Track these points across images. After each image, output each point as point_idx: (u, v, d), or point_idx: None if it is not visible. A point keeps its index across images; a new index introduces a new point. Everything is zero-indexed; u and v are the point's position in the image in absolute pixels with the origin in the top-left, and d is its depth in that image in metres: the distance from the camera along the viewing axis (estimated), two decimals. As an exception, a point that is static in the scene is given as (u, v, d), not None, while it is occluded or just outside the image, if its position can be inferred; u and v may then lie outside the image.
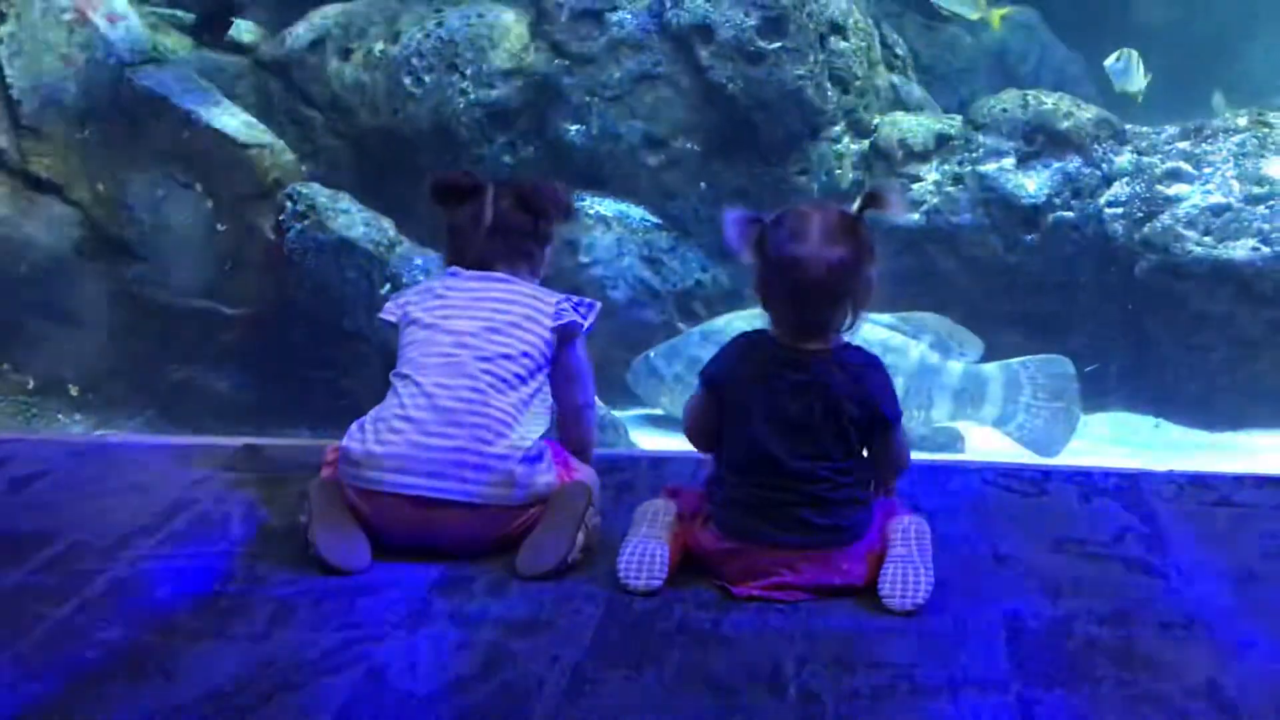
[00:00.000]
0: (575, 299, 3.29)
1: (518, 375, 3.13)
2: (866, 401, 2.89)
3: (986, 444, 5.91)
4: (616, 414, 5.82)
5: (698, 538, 2.97)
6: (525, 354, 3.15)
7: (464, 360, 3.11)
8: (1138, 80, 6.81)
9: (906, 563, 2.86)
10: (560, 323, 3.21)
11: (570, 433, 3.33)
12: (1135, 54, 6.80)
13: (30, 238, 5.74)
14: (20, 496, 3.44)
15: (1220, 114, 6.70)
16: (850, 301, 2.89)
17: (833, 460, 2.89)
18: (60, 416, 5.80)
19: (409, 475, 3.01)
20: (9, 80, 5.71)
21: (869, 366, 2.93)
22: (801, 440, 2.88)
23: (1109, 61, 6.90)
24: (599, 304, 3.35)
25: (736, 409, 2.93)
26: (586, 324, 3.26)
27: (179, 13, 6.23)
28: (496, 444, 3.03)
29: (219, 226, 5.80)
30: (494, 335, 3.14)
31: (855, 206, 2.93)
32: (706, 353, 5.86)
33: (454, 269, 3.29)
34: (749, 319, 5.96)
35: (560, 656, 2.64)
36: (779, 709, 2.47)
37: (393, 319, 3.26)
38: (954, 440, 5.86)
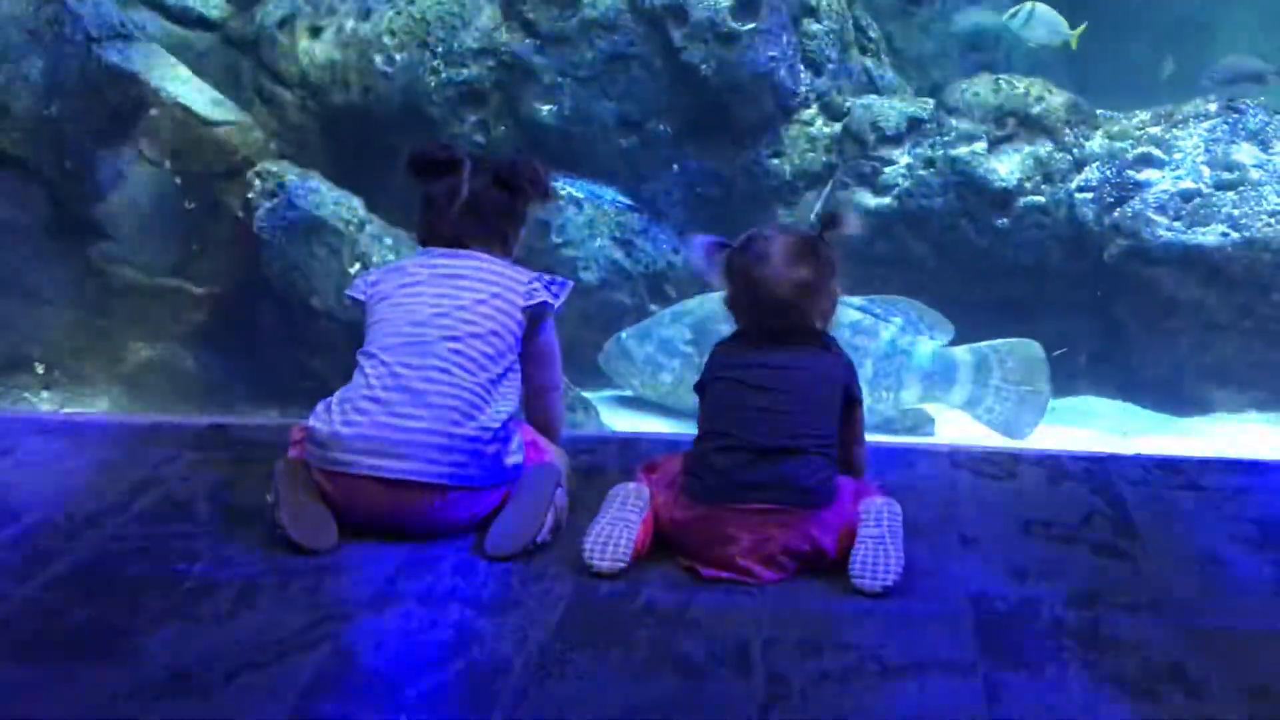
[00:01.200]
0: (548, 278, 3.26)
1: (487, 355, 3.10)
2: (840, 380, 3.03)
3: (958, 427, 5.93)
4: (587, 395, 5.82)
5: (670, 510, 2.98)
6: (495, 333, 3.13)
7: (432, 340, 3.08)
8: (1051, 29, 6.74)
9: (878, 543, 2.86)
10: (532, 303, 3.18)
11: (537, 413, 3.32)
12: (1036, 5, 6.76)
13: (-5, 214, 5.70)
14: None
15: (1167, 76, 6.69)
16: (816, 315, 3.07)
17: (806, 434, 2.94)
18: (26, 395, 5.76)
19: (376, 457, 2.99)
20: (-26, 55, 5.66)
21: (838, 350, 3.10)
22: (776, 414, 2.94)
23: (1007, 18, 6.85)
24: (571, 283, 3.31)
25: (716, 386, 3.03)
26: (557, 304, 3.23)
27: None
28: (465, 425, 3.01)
29: (187, 204, 5.77)
30: (463, 314, 3.11)
31: (816, 228, 3.12)
32: (677, 333, 5.97)
33: (425, 247, 3.26)
34: (721, 300, 5.97)
35: (528, 637, 2.64)
36: (746, 690, 2.47)
37: (360, 296, 3.23)
38: (924, 422, 5.88)
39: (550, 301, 3.21)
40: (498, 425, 3.05)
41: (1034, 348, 5.86)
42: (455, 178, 3.22)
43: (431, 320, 3.10)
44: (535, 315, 3.21)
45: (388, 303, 3.16)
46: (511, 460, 3.07)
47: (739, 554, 2.88)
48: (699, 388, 3.11)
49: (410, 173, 3.28)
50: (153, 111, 5.72)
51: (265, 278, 5.66)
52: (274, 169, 5.71)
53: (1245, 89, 6.50)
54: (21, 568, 2.89)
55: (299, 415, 3.35)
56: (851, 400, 3.06)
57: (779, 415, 2.95)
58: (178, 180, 5.75)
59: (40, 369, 5.79)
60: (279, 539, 2.97)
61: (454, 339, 3.09)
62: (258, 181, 5.66)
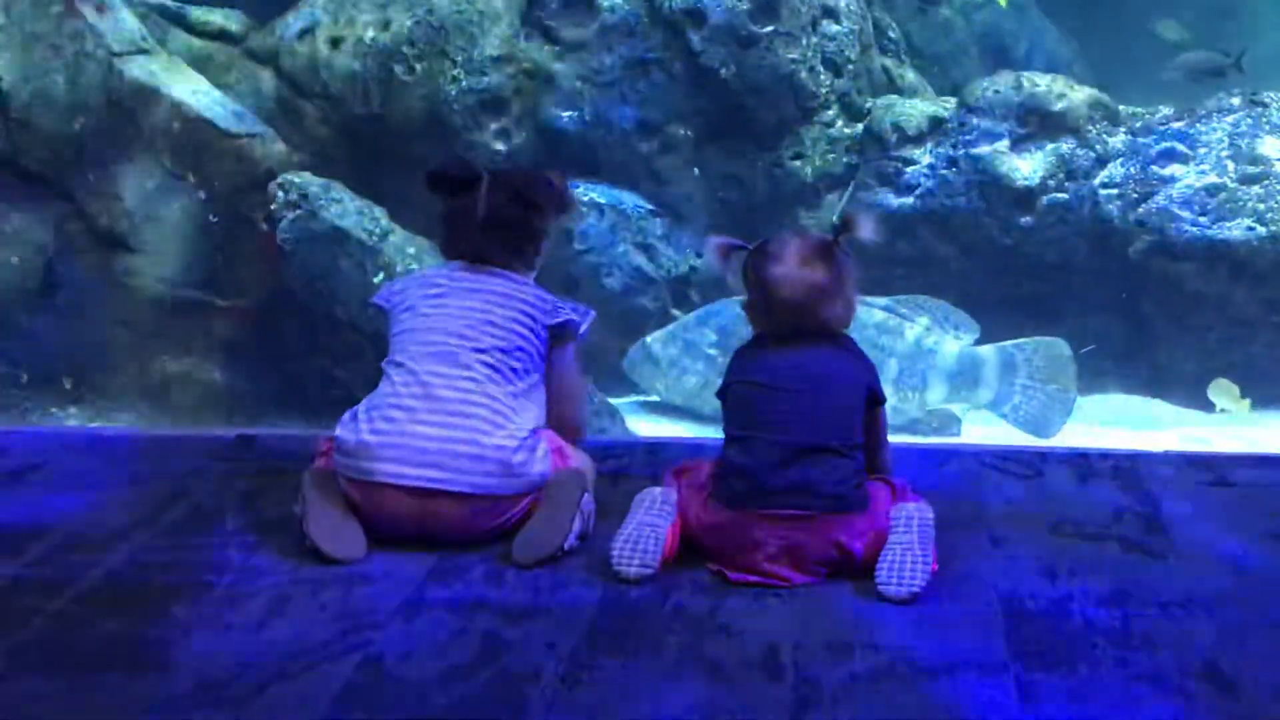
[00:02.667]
0: (572, 304, 3.29)
1: (513, 370, 3.12)
2: (862, 381, 3.04)
3: (985, 427, 5.91)
4: (613, 401, 5.82)
5: (697, 514, 2.97)
6: (520, 349, 3.14)
7: (459, 350, 3.09)
8: None
9: (906, 550, 2.85)
10: (556, 321, 3.19)
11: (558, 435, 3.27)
12: None
13: (21, 230, 5.72)
14: (15, 490, 3.43)
15: (1166, 36, 6.62)
16: (832, 317, 3.07)
17: (830, 436, 2.94)
18: (54, 410, 5.79)
19: (403, 465, 2.99)
20: (-2, 72, 5.69)
21: (859, 352, 3.12)
22: (798, 416, 2.94)
23: None
24: (594, 314, 3.32)
25: (737, 390, 3.04)
26: (582, 328, 3.25)
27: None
28: (493, 434, 3.02)
29: (211, 217, 5.78)
30: (490, 328, 3.12)
31: (832, 233, 3.10)
32: (702, 336, 5.96)
33: (451, 262, 3.27)
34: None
35: (557, 644, 2.63)
36: (777, 693, 2.46)
37: (384, 305, 3.24)
38: (951, 422, 5.86)
39: (575, 320, 3.22)
40: (524, 434, 3.06)
41: (1060, 346, 5.83)
42: (474, 194, 3.22)
43: (459, 331, 3.11)
44: (558, 335, 3.21)
45: (413, 313, 3.17)
46: (538, 469, 3.07)
47: (766, 559, 2.87)
48: (722, 393, 3.11)
49: (429, 189, 3.28)
50: (175, 125, 5.74)
51: (289, 289, 5.67)
52: (297, 180, 5.72)
53: (1205, 84, 6.48)
54: (52, 581, 2.90)
55: (325, 426, 3.36)
56: (874, 400, 3.06)
57: (801, 417, 2.95)
58: (201, 194, 5.76)
59: (68, 384, 5.82)
60: (307, 549, 2.97)
61: (480, 350, 3.09)
62: (280, 193, 5.68)
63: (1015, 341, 5.83)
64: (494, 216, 3.22)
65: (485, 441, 3.01)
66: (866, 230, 3.08)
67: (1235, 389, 5.86)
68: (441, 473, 2.99)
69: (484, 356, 3.09)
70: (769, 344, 3.07)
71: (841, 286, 3.07)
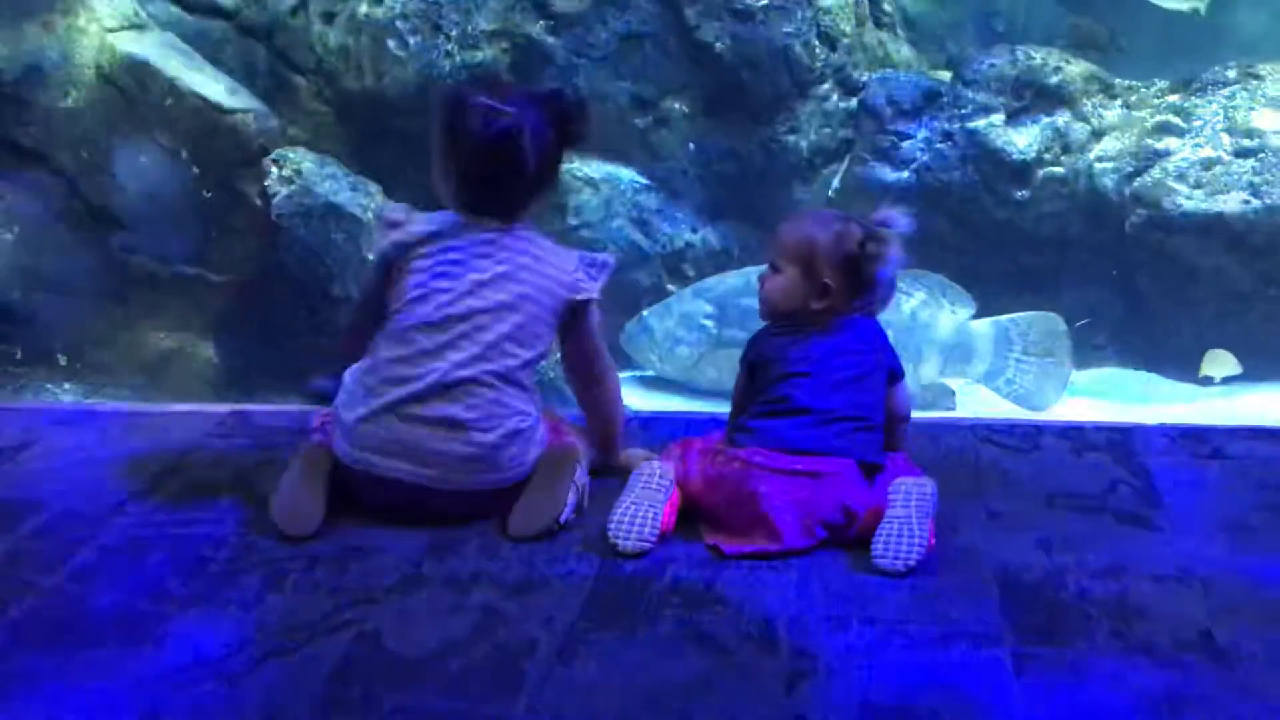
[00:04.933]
0: (589, 258, 3.12)
1: (520, 356, 3.01)
2: (887, 358, 3.10)
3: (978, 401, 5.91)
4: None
5: (704, 469, 2.99)
6: (534, 333, 3.03)
7: (468, 334, 2.97)
8: None
9: (903, 524, 2.86)
10: (575, 297, 3.06)
11: (598, 411, 3.20)
12: None
13: (14, 207, 5.71)
14: (9, 465, 3.42)
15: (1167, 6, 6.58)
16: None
17: (856, 410, 3.00)
18: (49, 386, 5.78)
19: (400, 460, 2.96)
20: (-11, 48, 5.67)
21: (881, 329, 3.15)
22: (827, 391, 2.99)
23: None
24: (613, 262, 3.16)
25: (766, 365, 3.07)
26: (597, 288, 3.09)
27: None
28: (490, 432, 2.97)
29: (205, 193, 5.77)
30: (504, 312, 2.98)
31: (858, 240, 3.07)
32: (698, 308, 5.95)
33: (461, 214, 3.05)
34: (742, 278, 5.97)
35: (554, 618, 2.64)
36: (773, 666, 2.47)
37: (395, 255, 3.01)
38: (944, 396, 5.86)
39: (593, 295, 3.08)
40: (525, 425, 3.01)
41: (1055, 321, 5.84)
42: (509, 133, 2.95)
43: (469, 311, 2.98)
44: (577, 309, 3.09)
45: (421, 281, 3.00)
46: (534, 454, 3.05)
47: (769, 509, 2.88)
48: (747, 364, 3.12)
49: (453, 126, 2.99)
50: (169, 101, 5.72)
51: (284, 265, 5.66)
52: (291, 156, 5.71)
53: (1087, 55, 6.47)
54: (47, 557, 2.90)
55: (319, 401, 3.35)
56: (894, 376, 3.11)
57: (831, 391, 3.00)
58: (195, 169, 5.75)
59: (62, 360, 5.81)
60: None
61: (490, 338, 2.98)
62: (275, 169, 5.67)
63: (1010, 316, 5.83)
64: (530, 159, 2.97)
65: (484, 440, 2.96)
66: (892, 252, 3.07)
67: (1229, 357, 5.86)
68: (436, 470, 2.96)
69: (492, 342, 2.98)
70: (796, 323, 3.08)
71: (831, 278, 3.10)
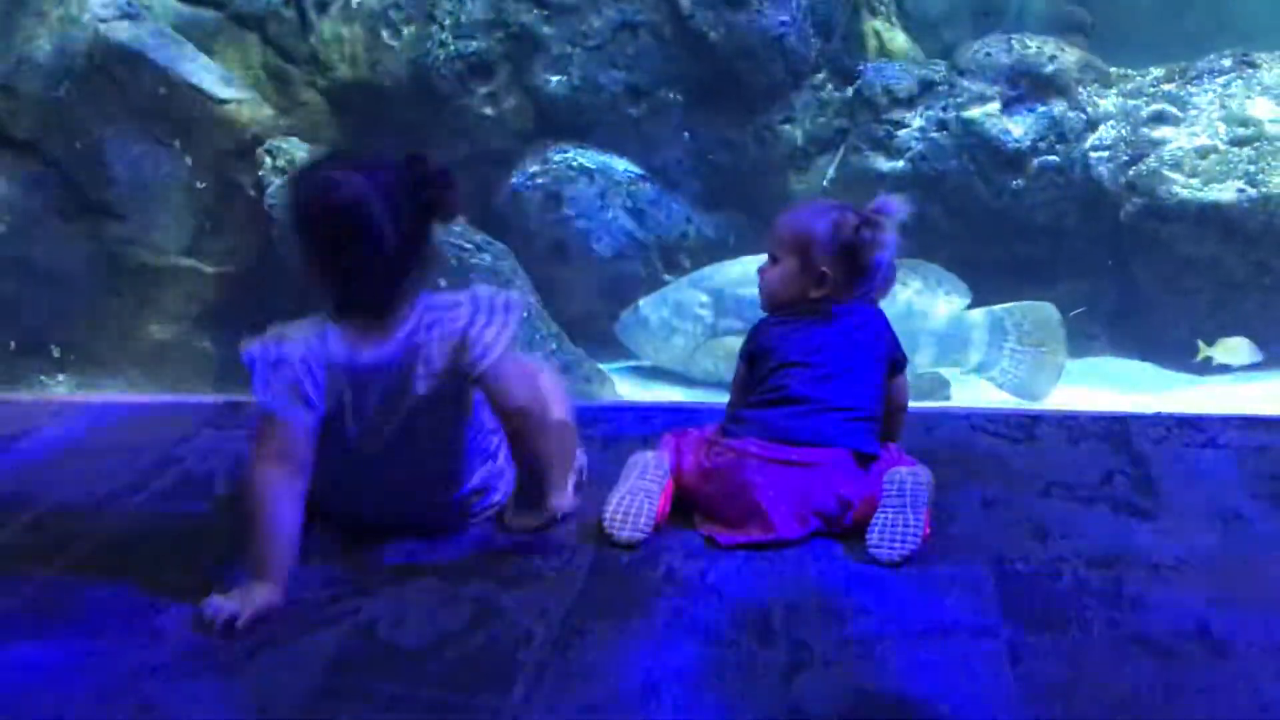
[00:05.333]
0: (484, 314, 2.74)
1: (457, 444, 2.86)
2: (888, 348, 3.12)
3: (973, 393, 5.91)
4: (603, 366, 5.81)
5: (699, 461, 2.99)
6: (457, 416, 2.83)
7: (401, 451, 2.79)
8: None
9: (898, 513, 2.86)
10: (477, 372, 2.73)
11: (536, 461, 2.85)
12: None
13: (7, 198, 5.69)
14: (3, 457, 3.42)
15: None
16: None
17: (854, 400, 3.01)
18: (42, 378, 5.77)
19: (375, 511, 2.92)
20: (-19, 38, 5.65)
21: (884, 319, 3.16)
22: (823, 380, 2.99)
23: None
24: (519, 306, 2.80)
25: (764, 356, 3.06)
26: (499, 347, 2.72)
27: None
28: (446, 493, 2.90)
29: (198, 183, 5.75)
30: (419, 431, 2.78)
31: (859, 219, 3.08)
32: (693, 297, 5.94)
33: (342, 324, 2.72)
34: (738, 267, 5.96)
35: (548, 608, 2.63)
36: (769, 657, 2.46)
37: (296, 417, 2.67)
38: (940, 387, 5.86)
39: (492, 358, 2.71)
40: (487, 473, 2.94)
41: (1049, 310, 5.83)
42: (359, 216, 2.61)
43: (392, 429, 2.77)
44: (481, 380, 2.76)
45: (334, 417, 2.73)
46: (507, 478, 2.96)
47: (763, 499, 2.88)
48: (746, 356, 3.12)
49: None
50: (161, 91, 5.70)
51: (278, 255, 5.65)
52: (284, 146, 5.69)
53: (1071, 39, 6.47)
54: (42, 548, 2.89)
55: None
56: (896, 366, 3.13)
57: (828, 381, 3.00)
58: (188, 159, 5.73)
59: (55, 352, 5.80)
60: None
61: (416, 444, 2.79)
62: (268, 159, 5.65)
63: (1004, 305, 5.83)
64: (386, 233, 2.62)
65: (448, 499, 2.90)
66: (887, 238, 3.07)
67: (1247, 345, 5.84)
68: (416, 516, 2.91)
69: (428, 449, 2.81)
70: (798, 312, 3.08)
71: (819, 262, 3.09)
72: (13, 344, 5.75)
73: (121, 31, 5.75)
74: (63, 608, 2.65)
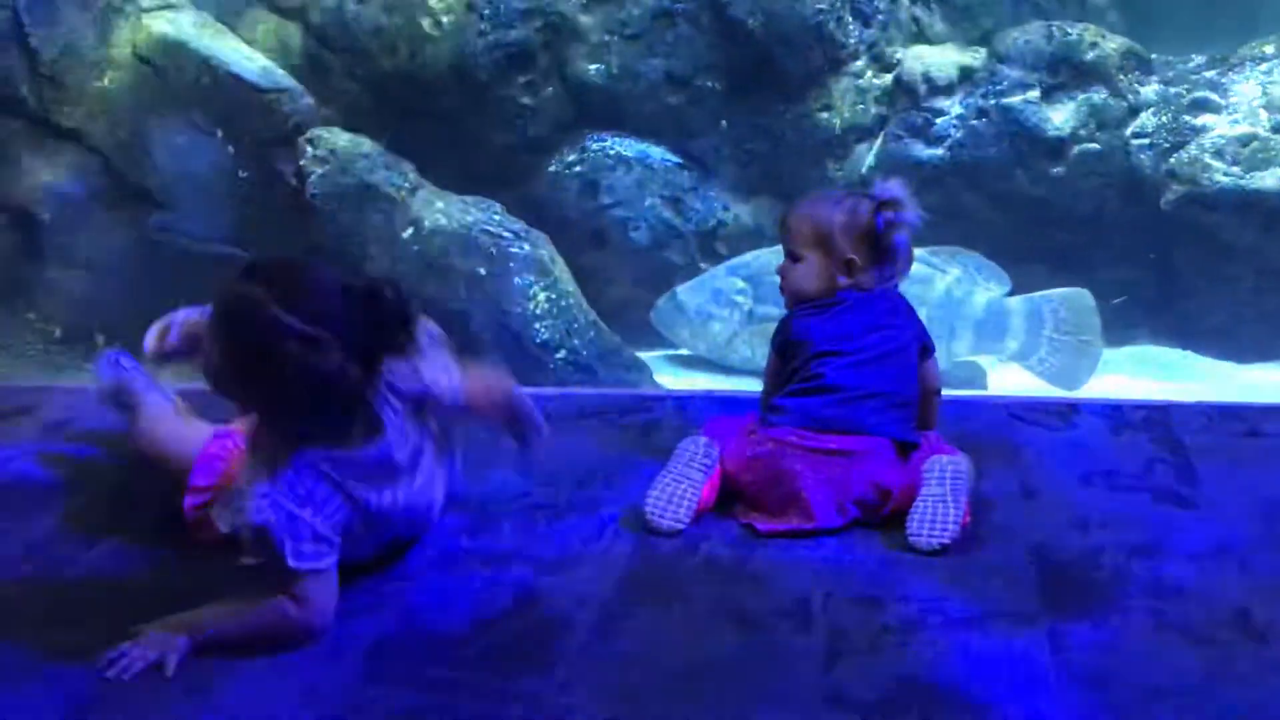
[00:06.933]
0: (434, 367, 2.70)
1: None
2: (917, 332, 3.11)
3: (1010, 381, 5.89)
4: (641, 355, 5.82)
5: (739, 448, 3.00)
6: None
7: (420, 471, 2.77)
8: None
9: (938, 501, 2.86)
10: (413, 394, 2.67)
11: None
12: None
13: (52, 186, 5.75)
14: (48, 445, 3.45)
15: None
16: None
17: (887, 387, 3.00)
18: (87, 365, 5.82)
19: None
20: (27, 29, 5.70)
21: (910, 308, 3.16)
22: (858, 369, 2.99)
23: None
24: (433, 326, 2.76)
25: (796, 347, 3.06)
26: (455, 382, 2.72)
27: None
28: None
29: (240, 172, 5.79)
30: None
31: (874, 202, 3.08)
32: (730, 285, 5.94)
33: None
34: (775, 255, 5.95)
35: (589, 595, 2.65)
36: (808, 644, 2.47)
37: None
38: (978, 376, 5.84)
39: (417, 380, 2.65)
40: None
41: (1085, 298, 5.80)
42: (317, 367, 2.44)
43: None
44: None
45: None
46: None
47: (803, 488, 2.88)
48: (777, 347, 3.12)
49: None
50: (204, 81, 5.74)
51: (318, 244, 5.68)
52: (325, 135, 5.72)
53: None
54: (87, 536, 2.93)
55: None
56: (926, 350, 3.12)
57: (863, 368, 3.00)
58: (230, 149, 5.78)
59: (100, 339, 5.84)
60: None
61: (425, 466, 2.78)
62: (309, 148, 5.68)
63: (1042, 293, 5.81)
64: (343, 379, 2.48)
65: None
66: (908, 215, 3.06)
67: None
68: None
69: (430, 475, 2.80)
70: (827, 301, 3.08)
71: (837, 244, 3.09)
72: (58, 331, 5.81)
73: (164, 22, 5.79)
74: (105, 593, 2.67)
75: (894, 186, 3.09)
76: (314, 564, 2.49)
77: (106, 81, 5.74)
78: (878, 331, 3.05)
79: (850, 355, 3.01)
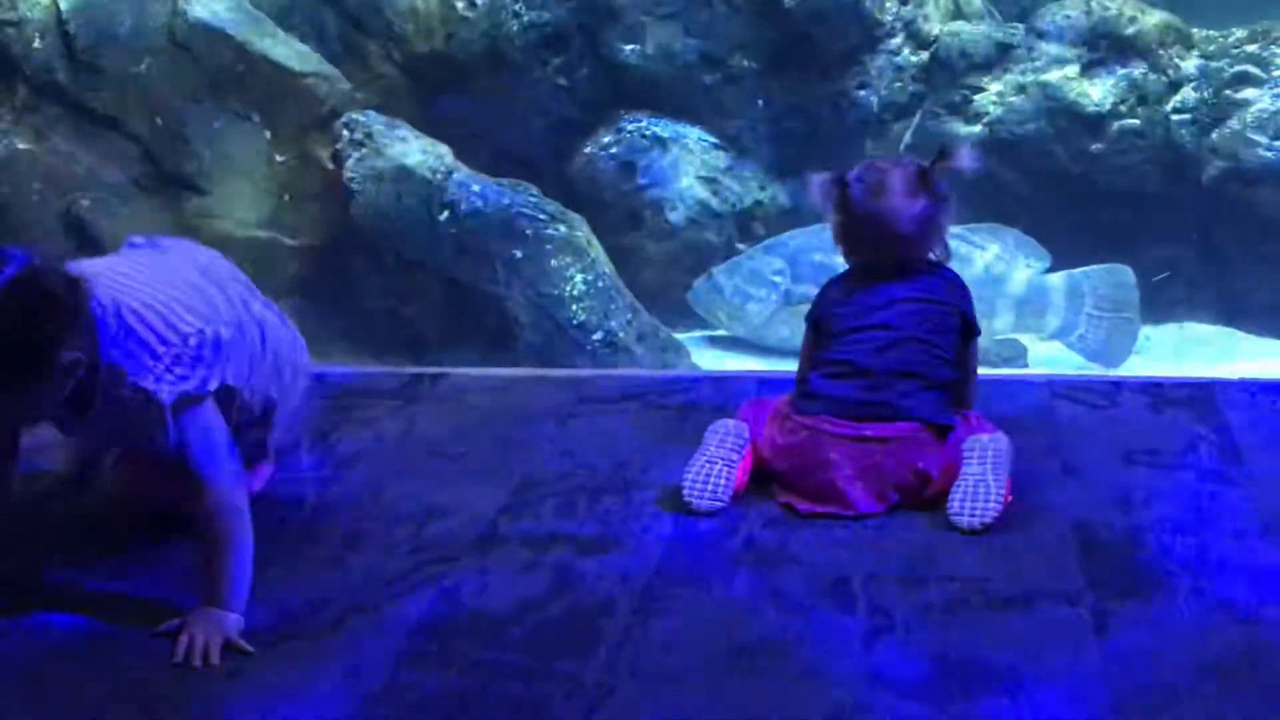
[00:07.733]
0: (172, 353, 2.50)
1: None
2: (962, 310, 3.06)
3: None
4: (678, 336, 5.82)
5: (772, 436, 2.98)
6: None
7: None
8: None
9: (979, 481, 2.84)
10: (172, 402, 2.47)
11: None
12: None
13: (91, 172, 5.78)
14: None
15: None
16: (930, 247, 3.09)
17: (922, 365, 2.96)
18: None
19: None
20: (64, 15, 5.73)
21: (958, 282, 3.12)
22: (892, 346, 2.96)
23: None
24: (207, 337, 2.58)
25: (830, 321, 3.04)
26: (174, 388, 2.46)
27: None
28: None
29: (277, 157, 5.81)
30: None
31: (929, 160, 3.07)
32: (767, 265, 5.92)
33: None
34: (813, 235, 5.93)
35: (629, 576, 2.65)
36: (850, 624, 2.47)
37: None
38: (1019, 354, 5.81)
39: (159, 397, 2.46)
40: None
41: (1125, 273, 5.76)
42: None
43: None
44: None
45: None
46: None
47: (841, 479, 2.87)
48: (811, 322, 3.10)
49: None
50: (240, 66, 5.76)
51: (356, 227, 5.69)
52: (361, 119, 5.72)
53: None
54: (120, 515, 2.94)
55: (393, 363, 3.37)
56: (970, 331, 3.07)
57: (895, 347, 2.97)
58: (267, 134, 5.79)
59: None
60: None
61: None
62: (346, 132, 5.69)
63: (1082, 269, 5.77)
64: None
65: None
66: (966, 159, 3.04)
67: None
68: None
69: None
70: (865, 275, 3.06)
71: (940, 215, 3.06)
72: (97, 317, 5.84)
73: (200, 7, 5.81)
74: (144, 574, 2.69)
75: (876, 162, 3.10)
76: (181, 386, 2.44)
77: (143, 67, 5.76)
78: (914, 305, 3.01)
79: (882, 331, 2.97)
